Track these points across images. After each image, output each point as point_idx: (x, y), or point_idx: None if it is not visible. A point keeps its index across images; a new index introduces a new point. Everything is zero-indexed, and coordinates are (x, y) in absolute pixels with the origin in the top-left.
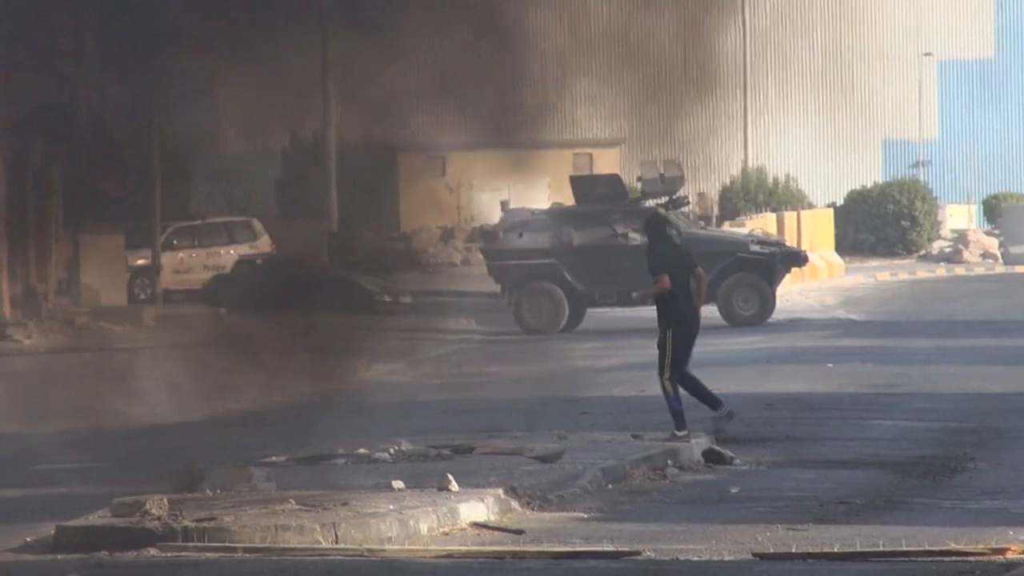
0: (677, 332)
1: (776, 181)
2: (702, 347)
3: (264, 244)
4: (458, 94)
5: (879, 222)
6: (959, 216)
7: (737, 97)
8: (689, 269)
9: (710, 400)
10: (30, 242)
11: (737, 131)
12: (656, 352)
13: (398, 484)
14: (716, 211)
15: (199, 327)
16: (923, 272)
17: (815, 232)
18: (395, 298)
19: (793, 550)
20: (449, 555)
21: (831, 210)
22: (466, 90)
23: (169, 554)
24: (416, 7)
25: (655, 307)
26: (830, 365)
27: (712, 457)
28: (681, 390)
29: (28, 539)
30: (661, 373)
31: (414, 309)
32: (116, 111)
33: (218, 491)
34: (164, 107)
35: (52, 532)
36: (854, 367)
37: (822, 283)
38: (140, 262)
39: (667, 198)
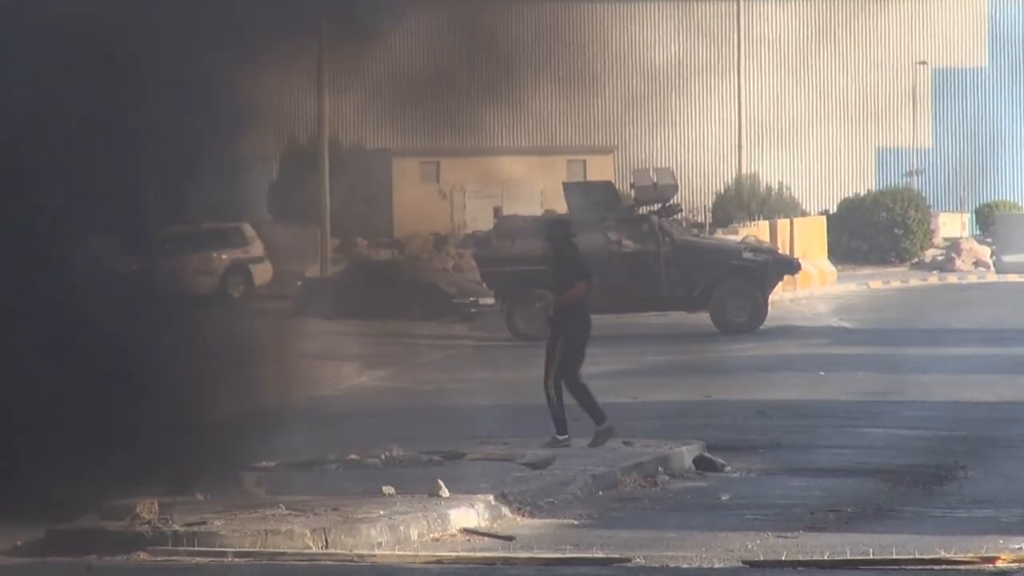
0: (569, 341)
1: (769, 189)
2: (695, 354)
3: (256, 249)
4: (452, 101)
5: (872, 230)
6: (952, 225)
7: (731, 104)
8: (586, 278)
9: (595, 413)
10: None
11: (731, 139)
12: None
13: (389, 490)
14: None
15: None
16: (916, 280)
17: (808, 240)
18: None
19: (783, 558)
20: (439, 561)
21: (824, 218)
22: (460, 97)
23: (159, 558)
24: (412, 14)
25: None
26: (822, 373)
27: (703, 464)
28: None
29: (18, 542)
30: (546, 379)
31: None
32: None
33: (208, 495)
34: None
35: (42, 535)
36: (846, 375)
37: (814, 291)
38: (132, 268)
39: (660, 205)
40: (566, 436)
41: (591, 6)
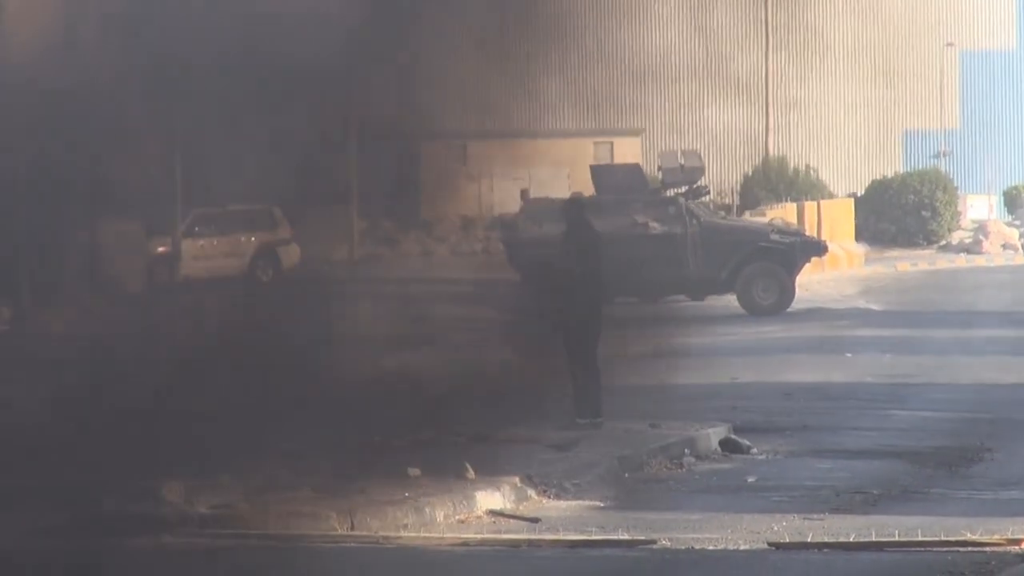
0: (563, 324)
1: (797, 171)
2: (722, 336)
3: (284, 232)
4: (481, 82)
5: (899, 212)
6: (979, 206)
7: (759, 86)
8: (595, 261)
9: (591, 405)
10: None
11: (758, 121)
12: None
13: (414, 471)
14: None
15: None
16: (943, 262)
17: (835, 222)
18: None
19: (809, 539)
20: (465, 543)
21: (851, 200)
22: (488, 78)
23: (184, 540)
24: None
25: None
26: (848, 355)
27: (729, 446)
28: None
29: (43, 525)
30: (568, 362)
31: None
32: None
33: (233, 478)
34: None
35: (67, 518)
36: (872, 357)
37: (842, 273)
38: (160, 250)
39: (687, 187)
40: (586, 421)
41: None
